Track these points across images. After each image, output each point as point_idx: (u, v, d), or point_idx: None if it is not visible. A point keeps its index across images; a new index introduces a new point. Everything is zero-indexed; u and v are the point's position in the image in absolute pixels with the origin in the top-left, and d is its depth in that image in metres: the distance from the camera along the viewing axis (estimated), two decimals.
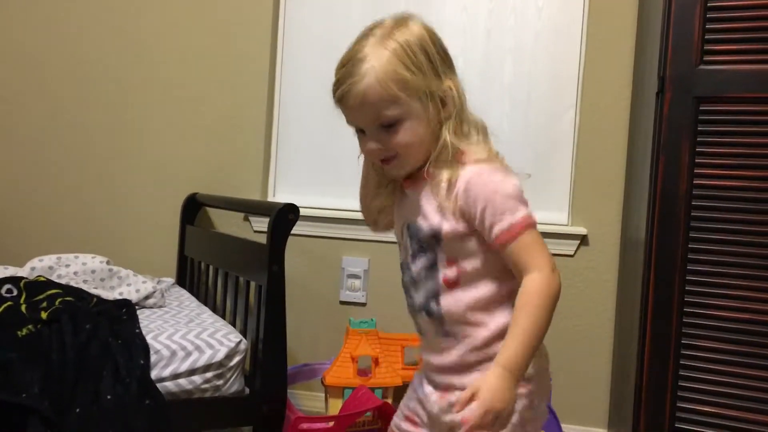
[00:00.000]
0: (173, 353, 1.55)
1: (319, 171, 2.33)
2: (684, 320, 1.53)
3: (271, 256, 1.63)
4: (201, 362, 1.56)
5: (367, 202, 1.21)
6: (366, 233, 2.19)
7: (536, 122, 2.19)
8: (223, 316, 1.92)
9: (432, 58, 1.04)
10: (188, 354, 1.56)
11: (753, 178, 1.48)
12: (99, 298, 1.75)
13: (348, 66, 1.06)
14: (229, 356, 1.60)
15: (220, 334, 1.64)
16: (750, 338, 1.49)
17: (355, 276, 2.25)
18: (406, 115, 1.02)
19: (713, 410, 1.51)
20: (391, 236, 2.16)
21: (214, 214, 2.35)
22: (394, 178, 1.14)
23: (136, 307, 1.82)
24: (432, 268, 1.07)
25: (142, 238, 2.39)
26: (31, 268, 1.87)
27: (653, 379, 1.57)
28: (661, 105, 1.54)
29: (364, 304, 2.25)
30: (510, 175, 1.03)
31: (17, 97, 2.46)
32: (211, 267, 2.12)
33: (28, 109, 2.46)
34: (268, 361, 1.64)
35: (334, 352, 2.10)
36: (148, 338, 1.57)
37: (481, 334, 1.04)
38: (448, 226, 1.03)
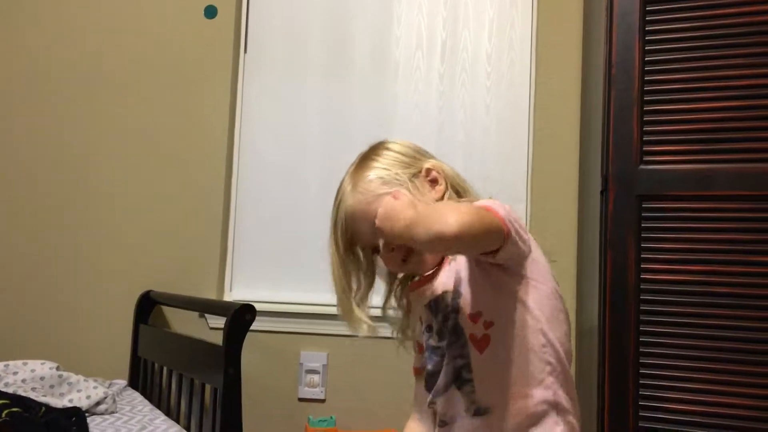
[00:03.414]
0: None
1: (276, 264, 2.32)
2: (640, 414, 1.55)
3: (227, 359, 1.61)
4: None
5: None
6: (325, 327, 2.19)
7: None
8: (178, 420, 1.86)
9: (403, 151, 1.10)
10: None
11: (697, 273, 1.53)
12: (48, 407, 1.69)
13: (335, 204, 1.12)
14: None
15: None
16: (703, 430, 1.51)
17: (314, 371, 2.22)
18: None
19: None
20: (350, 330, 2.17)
21: (169, 311, 2.31)
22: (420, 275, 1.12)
23: (87, 414, 1.76)
24: (457, 331, 1.01)
25: (93, 339, 2.33)
26: None
27: None
28: (606, 202, 1.60)
29: (323, 401, 2.21)
30: None
31: None
32: (165, 368, 2.07)
33: None
34: None
35: None
36: None
37: (526, 405, 0.96)
38: (465, 275, 1.01)
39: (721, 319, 1.52)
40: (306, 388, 2.21)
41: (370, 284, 1.14)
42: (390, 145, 1.12)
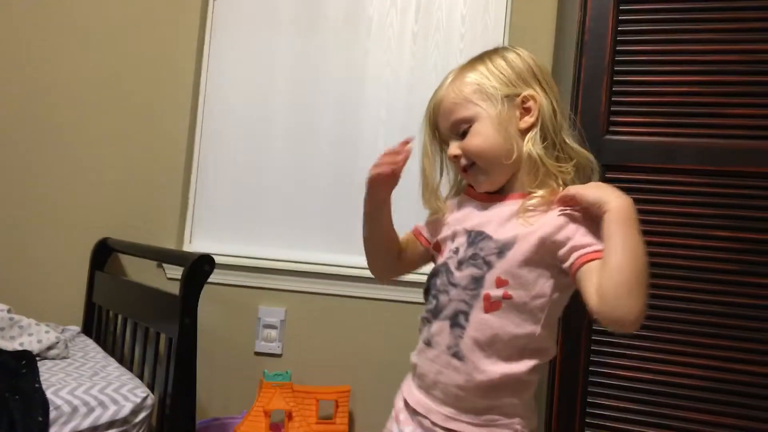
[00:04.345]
0: (75, 409, 1.48)
1: (238, 218, 2.30)
2: (589, 379, 1.58)
3: (183, 309, 1.60)
4: (104, 419, 1.50)
5: (378, 241, 1.18)
6: (284, 283, 2.18)
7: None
8: (131, 368, 1.85)
9: (515, 68, 1.06)
10: (91, 410, 1.49)
11: (656, 244, 1.55)
12: None
13: (440, 84, 1.12)
14: (135, 412, 1.55)
15: (125, 388, 1.58)
16: (651, 398, 1.55)
17: (272, 326, 2.21)
18: (477, 117, 1.04)
19: None
20: (309, 286, 2.17)
21: (126, 259, 2.28)
22: (480, 190, 1.10)
23: (38, 358, 1.73)
24: (478, 281, 1.02)
25: (47, 284, 2.29)
26: None
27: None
28: None
29: (279, 356, 2.22)
30: None
31: None
32: (120, 316, 2.04)
33: None
34: (176, 417, 1.59)
35: (246, 406, 2.05)
36: (49, 393, 1.49)
37: (493, 372, 1.00)
38: (524, 246, 0.99)
39: (675, 291, 1.55)
40: (263, 343, 2.21)
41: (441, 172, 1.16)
42: (508, 55, 1.08)
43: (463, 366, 1.02)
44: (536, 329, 1.01)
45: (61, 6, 2.34)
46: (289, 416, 1.93)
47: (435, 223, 1.16)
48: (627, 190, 1.56)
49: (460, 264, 1.05)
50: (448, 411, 1.05)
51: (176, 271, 2.09)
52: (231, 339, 2.22)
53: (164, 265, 2.22)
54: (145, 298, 1.89)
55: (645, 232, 1.55)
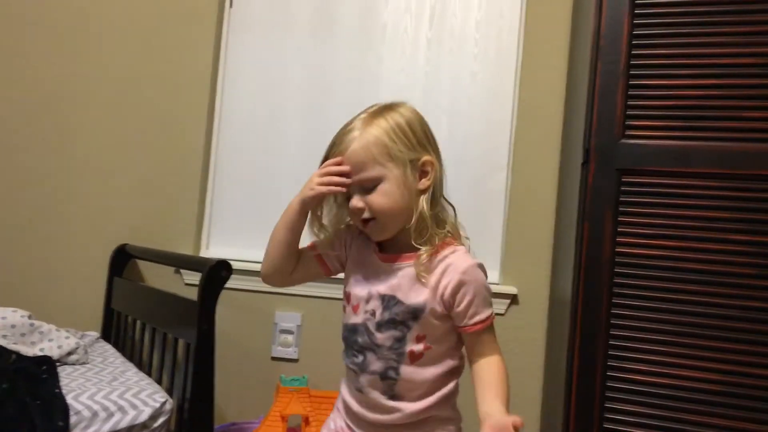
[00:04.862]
0: (94, 414, 1.49)
1: (254, 223, 2.31)
2: (607, 384, 1.58)
3: (201, 315, 1.61)
4: (123, 424, 1.51)
5: (291, 249, 1.25)
6: (300, 288, 2.19)
7: (468, 181, 2.23)
8: (149, 373, 1.86)
9: (416, 133, 1.16)
10: (110, 415, 1.51)
11: (672, 248, 1.55)
12: (18, 355, 1.69)
13: (338, 136, 1.16)
14: (154, 417, 1.56)
15: (144, 393, 1.60)
16: (669, 402, 1.54)
17: (288, 331, 2.23)
18: (385, 177, 1.12)
19: None
20: (325, 291, 2.18)
21: (144, 265, 2.30)
22: (374, 240, 1.20)
23: (58, 363, 1.76)
24: (400, 341, 1.14)
25: (67, 290, 2.32)
26: None
27: None
28: (586, 175, 1.60)
29: (296, 360, 2.23)
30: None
31: None
32: (138, 322, 2.06)
33: None
34: (195, 422, 1.60)
35: (263, 411, 2.06)
36: (69, 398, 1.51)
37: (430, 401, 1.15)
38: (432, 306, 1.13)
39: (692, 294, 1.54)
40: (279, 348, 2.22)
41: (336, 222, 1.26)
42: (409, 117, 1.17)
43: (400, 404, 1.15)
44: (455, 361, 1.18)
45: (79, 14, 2.37)
46: (306, 421, 1.94)
47: (334, 248, 1.27)
48: (643, 194, 1.58)
49: (379, 326, 1.16)
50: None
51: (194, 277, 2.10)
52: (248, 344, 2.23)
53: (182, 270, 2.24)
54: (163, 303, 1.91)
55: (662, 236, 1.57)
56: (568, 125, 2.10)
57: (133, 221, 2.31)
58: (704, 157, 1.54)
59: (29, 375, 1.59)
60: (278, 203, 2.30)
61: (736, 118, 1.54)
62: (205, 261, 1.73)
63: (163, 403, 1.59)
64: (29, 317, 1.87)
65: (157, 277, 2.28)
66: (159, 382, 1.79)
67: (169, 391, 1.73)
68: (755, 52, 1.54)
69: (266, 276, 1.29)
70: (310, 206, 1.20)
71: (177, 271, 2.26)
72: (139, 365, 1.93)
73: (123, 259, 2.26)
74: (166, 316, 1.87)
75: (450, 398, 1.19)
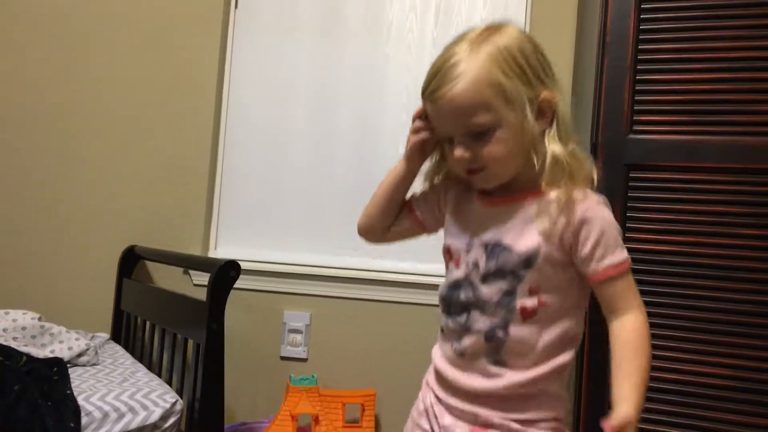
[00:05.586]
0: (105, 415, 1.50)
1: (262, 223, 2.32)
2: None
3: (210, 315, 1.62)
4: (134, 424, 1.52)
5: (387, 205, 1.15)
6: (308, 287, 2.20)
7: None
8: (159, 374, 1.87)
9: (531, 64, 0.99)
10: (121, 416, 1.52)
11: (681, 243, 1.54)
12: (29, 357, 1.69)
13: (440, 71, 0.99)
14: (164, 418, 1.57)
15: (155, 394, 1.60)
16: (679, 398, 1.54)
17: (297, 331, 2.23)
18: (499, 123, 0.96)
19: None
20: (333, 291, 2.18)
21: (153, 266, 2.31)
22: (479, 188, 1.06)
23: (68, 365, 1.76)
24: (510, 294, 0.99)
25: (76, 292, 2.32)
26: None
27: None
28: None
29: (305, 360, 2.23)
30: None
31: None
32: (147, 322, 2.07)
33: None
34: (205, 421, 1.61)
35: (273, 410, 2.06)
36: (80, 399, 1.52)
37: (540, 370, 1.00)
38: (548, 250, 0.98)
39: (703, 290, 1.54)
40: (288, 347, 2.23)
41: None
42: (522, 43, 1.00)
43: (505, 371, 1.01)
44: (572, 324, 1.02)
45: (86, 18, 2.37)
46: (316, 420, 1.94)
47: (429, 202, 1.15)
48: (651, 190, 1.57)
49: (485, 278, 1.02)
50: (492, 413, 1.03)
51: (202, 278, 2.11)
52: (257, 344, 2.24)
53: (190, 271, 2.25)
54: (173, 304, 1.91)
55: (671, 232, 1.56)
56: (576, 121, 2.08)
57: (142, 223, 2.32)
58: (712, 152, 1.54)
59: (40, 377, 1.59)
60: (286, 203, 2.35)
61: (744, 112, 1.54)
62: (214, 261, 1.74)
63: (174, 404, 1.60)
64: (39, 319, 1.88)
65: (165, 278, 2.29)
66: (169, 382, 1.79)
67: (179, 392, 1.73)
68: (762, 46, 1.53)
69: (360, 230, 1.20)
70: (411, 160, 1.10)
71: (186, 272, 2.27)
72: (149, 366, 1.94)
73: (132, 261, 2.26)
74: (176, 317, 1.88)
75: (563, 372, 1.03)
